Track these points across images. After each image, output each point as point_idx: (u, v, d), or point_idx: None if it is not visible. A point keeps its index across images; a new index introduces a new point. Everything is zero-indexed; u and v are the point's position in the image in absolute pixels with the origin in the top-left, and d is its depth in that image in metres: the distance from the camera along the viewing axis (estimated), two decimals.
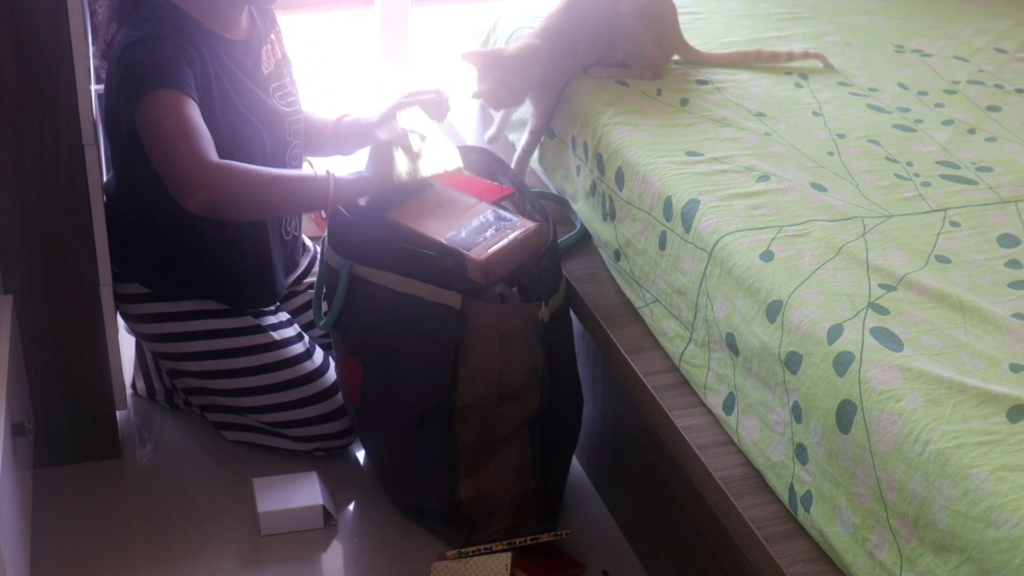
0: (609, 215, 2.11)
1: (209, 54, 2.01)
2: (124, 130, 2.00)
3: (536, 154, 2.43)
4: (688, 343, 1.85)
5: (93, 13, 2.17)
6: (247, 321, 2.20)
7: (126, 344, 2.36)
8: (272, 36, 2.19)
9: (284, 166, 2.16)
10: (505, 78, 2.26)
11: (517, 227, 1.96)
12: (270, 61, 2.15)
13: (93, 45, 2.26)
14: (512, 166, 2.36)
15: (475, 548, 1.99)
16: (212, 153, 1.92)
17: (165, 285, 2.17)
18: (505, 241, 1.92)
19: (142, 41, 1.95)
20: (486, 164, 2.26)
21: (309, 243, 2.44)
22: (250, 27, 2.13)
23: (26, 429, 1.91)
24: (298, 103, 2.22)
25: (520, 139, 2.41)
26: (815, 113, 2.19)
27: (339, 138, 2.28)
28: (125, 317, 2.24)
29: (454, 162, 2.11)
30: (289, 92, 2.19)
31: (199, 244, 2.11)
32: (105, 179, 2.22)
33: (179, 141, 1.90)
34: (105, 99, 2.08)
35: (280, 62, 2.19)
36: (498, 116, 2.50)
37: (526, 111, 2.40)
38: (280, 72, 2.18)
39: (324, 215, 2.00)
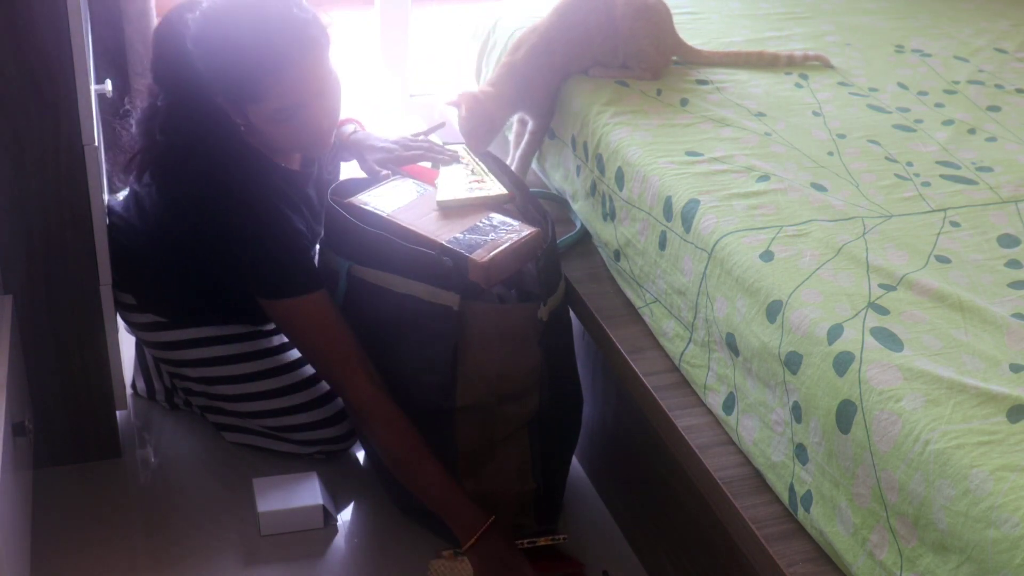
0: (609, 215, 2.11)
1: (299, 205, 2.03)
2: (209, 269, 2.04)
3: (536, 154, 2.43)
4: (688, 343, 1.85)
5: (112, 128, 2.16)
6: (246, 327, 2.19)
7: (126, 344, 2.36)
8: None
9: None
10: (464, 121, 2.26)
11: (518, 230, 1.96)
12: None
13: (107, 153, 2.25)
14: (512, 167, 2.37)
15: None
16: (368, 368, 1.96)
17: (157, 301, 2.17)
18: (507, 244, 1.92)
19: (261, 229, 1.93)
20: (486, 164, 2.26)
21: None
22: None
23: (26, 429, 1.91)
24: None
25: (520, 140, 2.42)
26: (815, 113, 2.19)
27: (338, 147, 2.27)
28: (125, 323, 2.25)
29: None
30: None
31: (198, 273, 2.11)
32: (108, 197, 2.22)
33: (336, 356, 1.96)
34: (164, 206, 2.06)
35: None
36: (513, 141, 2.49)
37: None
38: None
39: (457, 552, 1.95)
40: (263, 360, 2.19)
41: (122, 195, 2.25)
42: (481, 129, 2.25)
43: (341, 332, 1.97)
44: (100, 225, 2.04)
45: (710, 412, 1.79)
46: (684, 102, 2.23)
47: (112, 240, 2.10)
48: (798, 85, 2.32)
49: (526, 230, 1.96)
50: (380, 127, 2.32)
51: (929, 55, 2.50)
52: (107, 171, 2.35)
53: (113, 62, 2.71)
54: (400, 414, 1.95)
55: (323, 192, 2.13)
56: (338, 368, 1.98)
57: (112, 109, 2.30)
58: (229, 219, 1.95)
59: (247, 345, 2.18)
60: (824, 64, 2.41)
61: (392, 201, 2.05)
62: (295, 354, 2.21)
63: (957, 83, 2.36)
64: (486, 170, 2.13)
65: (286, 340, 2.22)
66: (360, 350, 1.98)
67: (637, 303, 2.01)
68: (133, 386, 2.43)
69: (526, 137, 2.38)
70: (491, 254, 1.89)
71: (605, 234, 2.13)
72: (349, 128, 2.25)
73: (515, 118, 2.44)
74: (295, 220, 1.99)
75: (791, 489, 1.59)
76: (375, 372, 1.98)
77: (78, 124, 1.96)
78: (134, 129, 2.07)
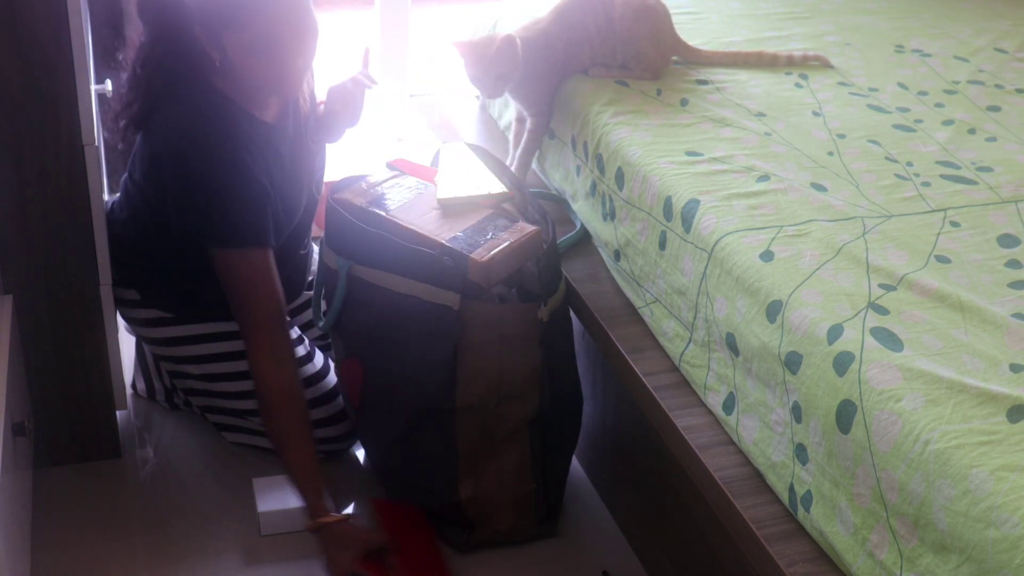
0: (609, 215, 2.11)
1: (268, 155, 2.02)
2: (174, 226, 2.03)
3: (536, 154, 2.42)
4: (688, 343, 1.85)
5: (118, 73, 2.15)
6: None
7: (126, 344, 2.36)
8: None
9: (312, 206, 2.19)
10: (491, 61, 2.24)
11: (518, 229, 1.96)
12: (306, 99, 2.15)
13: (99, 107, 2.24)
14: (512, 167, 2.36)
15: None
16: (284, 333, 2.02)
17: (160, 296, 2.17)
18: (507, 243, 1.92)
19: (224, 176, 1.94)
20: (485, 163, 2.26)
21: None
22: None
23: (26, 429, 1.91)
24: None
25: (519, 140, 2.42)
26: (815, 113, 2.19)
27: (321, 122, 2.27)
28: (126, 320, 2.24)
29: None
30: (316, 117, 2.20)
31: (199, 265, 2.11)
32: (108, 197, 2.21)
33: (259, 316, 2.00)
34: (141, 171, 2.06)
35: (312, 89, 2.19)
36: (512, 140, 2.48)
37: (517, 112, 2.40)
38: (313, 101, 2.19)
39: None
40: None
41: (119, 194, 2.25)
42: (508, 72, 2.23)
43: (267, 298, 2.00)
44: (100, 225, 2.04)
45: (710, 412, 1.79)
46: (684, 102, 2.23)
47: (114, 235, 2.10)
48: (798, 85, 2.32)
49: (526, 229, 1.96)
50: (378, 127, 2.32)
51: (929, 55, 2.50)
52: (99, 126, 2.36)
53: (113, 62, 2.71)
54: (288, 397, 2.00)
55: (301, 156, 2.12)
56: (249, 330, 2.02)
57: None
58: (192, 164, 1.96)
59: None
60: (824, 64, 2.41)
61: (392, 200, 2.05)
62: (297, 352, 2.21)
63: (957, 83, 2.36)
64: (485, 168, 2.14)
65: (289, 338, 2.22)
66: (279, 324, 2.02)
67: (637, 303, 2.01)
68: (133, 386, 2.43)
69: (525, 136, 2.38)
70: (491, 253, 1.89)
71: (605, 234, 2.13)
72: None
73: (513, 117, 2.44)
74: (257, 173, 1.98)
75: (791, 489, 1.59)
76: (286, 349, 2.02)
77: (78, 124, 1.96)
78: (123, 86, 2.08)
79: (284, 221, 2.07)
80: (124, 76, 2.07)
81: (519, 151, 2.40)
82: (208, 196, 1.96)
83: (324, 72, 2.21)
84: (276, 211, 2.03)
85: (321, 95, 2.22)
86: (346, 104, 2.16)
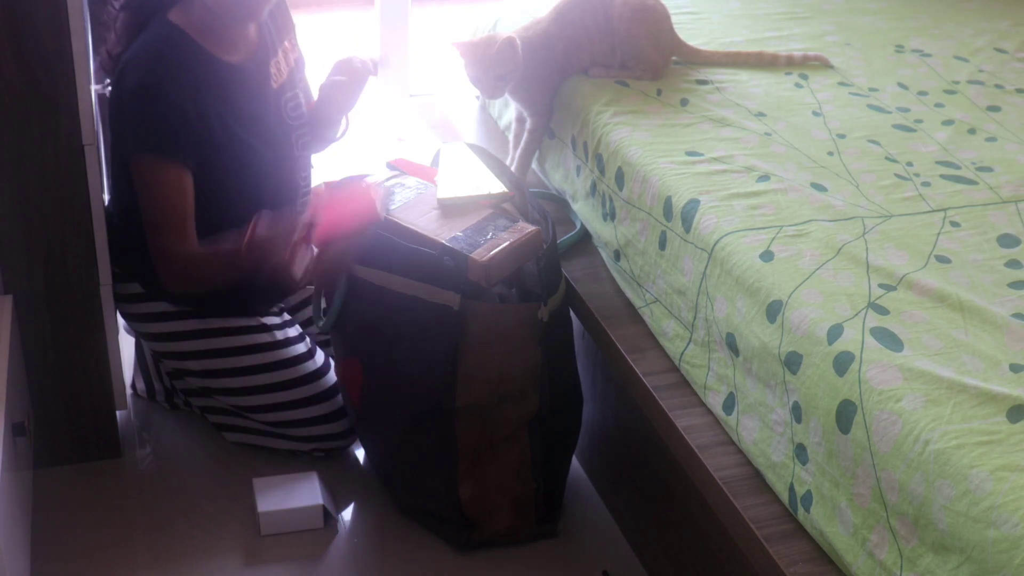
0: (609, 215, 2.11)
1: (208, 87, 2.01)
2: (123, 160, 2.05)
3: (536, 154, 2.42)
4: (688, 343, 1.85)
5: (105, 27, 2.17)
6: (250, 320, 2.19)
7: (126, 344, 2.36)
8: (286, 43, 2.18)
9: (293, 182, 2.18)
10: (491, 62, 2.24)
11: (518, 229, 1.96)
12: (281, 73, 2.15)
13: (95, 56, 2.26)
14: (512, 167, 2.36)
15: None
16: (188, 238, 2.02)
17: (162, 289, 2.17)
18: (507, 243, 1.92)
19: (146, 81, 1.97)
20: (485, 163, 2.26)
21: None
22: (257, 43, 2.11)
23: (26, 429, 1.91)
24: (306, 114, 2.21)
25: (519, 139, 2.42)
26: (815, 113, 2.19)
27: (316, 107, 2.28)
28: (127, 317, 2.24)
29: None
30: (299, 104, 2.19)
31: None
32: (108, 197, 2.22)
33: (161, 222, 2.02)
34: (111, 124, 2.08)
35: (293, 70, 2.19)
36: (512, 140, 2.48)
37: (517, 112, 2.40)
38: (293, 81, 2.18)
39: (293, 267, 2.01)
40: (265, 353, 2.19)
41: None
42: (508, 73, 2.23)
43: (175, 206, 2.01)
44: (100, 225, 2.04)
45: (710, 412, 1.79)
46: (684, 102, 2.23)
47: (113, 230, 2.10)
48: (798, 85, 2.32)
49: (526, 229, 1.96)
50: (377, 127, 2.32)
51: (929, 55, 2.50)
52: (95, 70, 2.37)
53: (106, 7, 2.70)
54: (196, 261, 2.04)
55: (266, 112, 2.12)
56: (153, 239, 2.03)
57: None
58: (127, 77, 1.99)
59: (250, 338, 2.18)
60: (824, 64, 2.41)
61: (392, 200, 2.05)
62: (298, 349, 2.21)
63: (957, 83, 2.36)
64: (485, 168, 2.14)
65: (290, 335, 2.23)
66: (183, 232, 2.02)
67: (637, 303, 2.01)
68: (133, 386, 2.43)
69: (525, 136, 2.38)
70: (491, 253, 1.90)
71: (605, 234, 2.13)
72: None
73: (513, 117, 2.44)
74: (182, 97, 1.99)
75: (791, 489, 1.59)
76: (189, 249, 2.03)
77: (78, 124, 1.96)
78: (111, 31, 2.09)
79: (227, 163, 2.06)
80: (114, 23, 2.10)
81: (519, 151, 2.40)
82: (131, 104, 1.99)
83: (325, 73, 2.21)
84: (216, 146, 2.03)
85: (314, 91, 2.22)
86: (349, 75, 2.17)
